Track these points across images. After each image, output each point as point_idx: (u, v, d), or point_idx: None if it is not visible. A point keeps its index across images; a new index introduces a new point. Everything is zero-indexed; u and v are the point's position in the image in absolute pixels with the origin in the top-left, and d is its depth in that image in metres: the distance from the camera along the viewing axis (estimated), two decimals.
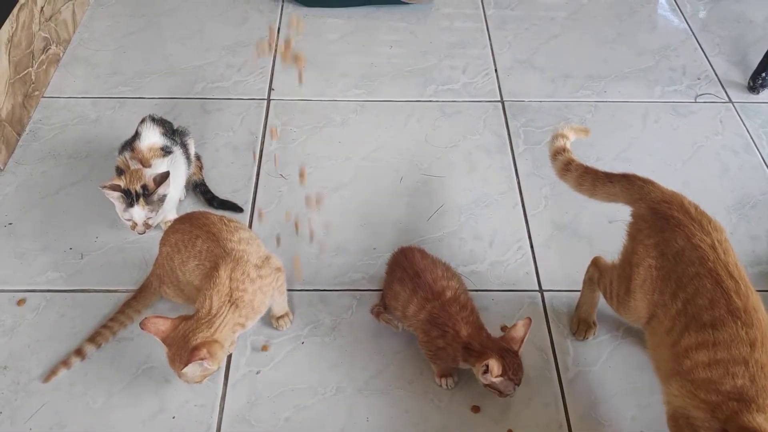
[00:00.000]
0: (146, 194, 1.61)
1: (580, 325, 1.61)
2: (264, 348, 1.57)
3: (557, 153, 1.58)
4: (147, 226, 1.65)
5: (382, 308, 1.61)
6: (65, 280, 1.69)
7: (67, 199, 1.87)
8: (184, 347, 1.32)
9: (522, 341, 1.40)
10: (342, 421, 1.46)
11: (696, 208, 1.34)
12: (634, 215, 1.41)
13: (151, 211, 1.64)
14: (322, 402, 1.49)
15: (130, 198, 1.61)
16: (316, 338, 1.60)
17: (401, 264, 1.57)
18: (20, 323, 1.60)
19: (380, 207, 1.88)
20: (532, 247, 1.79)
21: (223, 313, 1.36)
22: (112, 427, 1.45)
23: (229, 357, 1.54)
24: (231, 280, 1.39)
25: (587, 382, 1.53)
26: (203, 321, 1.35)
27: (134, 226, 1.64)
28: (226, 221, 1.50)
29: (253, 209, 1.86)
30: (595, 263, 1.55)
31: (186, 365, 1.30)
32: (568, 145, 1.59)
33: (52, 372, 1.50)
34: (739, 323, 1.18)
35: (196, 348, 1.31)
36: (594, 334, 1.61)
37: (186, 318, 1.37)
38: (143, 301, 1.60)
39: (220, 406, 1.48)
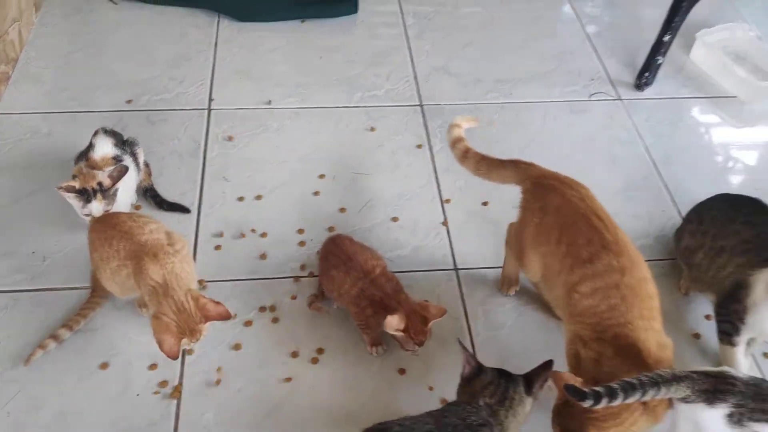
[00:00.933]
0: (103, 189, 1.81)
1: (505, 281, 1.90)
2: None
3: (455, 142, 1.87)
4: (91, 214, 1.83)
5: (316, 297, 1.85)
6: (29, 281, 1.87)
7: (26, 208, 2.04)
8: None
9: (432, 319, 1.66)
10: (287, 388, 1.69)
11: (566, 177, 1.67)
12: (522, 191, 1.71)
13: (107, 205, 1.83)
14: (270, 374, 1.72)
15: (86, 195, 1.80)
16: (262, 320, 1.83)
17: (333, 251, 1.81)
18: None
19: (315, 203, 2.12)
20: (448, 232, 2.06)
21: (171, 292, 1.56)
22: (83, 407, 1.64)
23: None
24: (160, 266, 1.59)
25: (496, 343, 1.80)
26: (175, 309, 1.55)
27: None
28: (135, 218, 1.72)
29: (200, 209, 2.07)
30: (509, 229, 1.83)
31: None
32: (462, 134, 1.87)
33: (30, 355, 1.69)
34: (611, 254, 1.47)
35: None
36: (517, 290, 1.90)
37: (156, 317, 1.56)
38: (102, 290, 1.80)
39: (179, 381, 1.70)
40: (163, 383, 1.69)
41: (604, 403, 1.29)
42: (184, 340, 1.54)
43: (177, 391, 1.68)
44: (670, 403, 1.41)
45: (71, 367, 1.71)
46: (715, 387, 1.37)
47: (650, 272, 1.51)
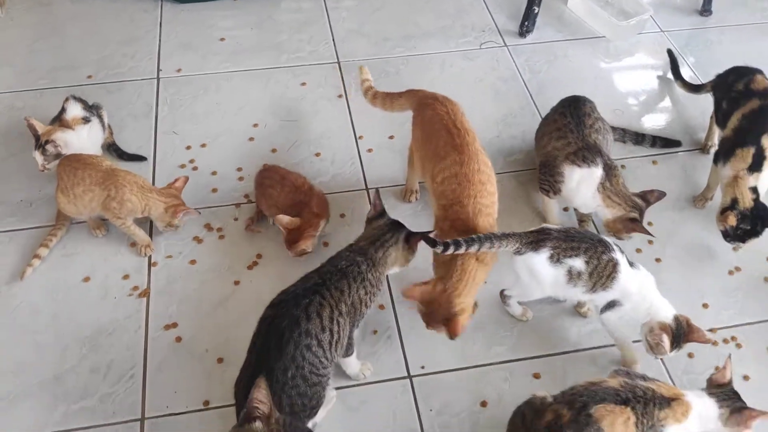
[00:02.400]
0: (39, 144, 2.27)
1: (406, 191, 2.40)
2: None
3: (366, 90, 2.34)
4: (44, 168, 2.30)
5: (252, 220, 2.31)
6: (20, 221, 2.32)
7: (12, 166, 2.48)
8: None
9: (300, 239, 2.15)
10: (234, 287, 2.16)
11: (442, 96, 2.15)
12: (413, 112, 2.18)
13: (45, 160, 2.29)
14: (217, 277, 2.19)
15: (37, 143, 2.28)
16: (211, 237, 2.29)
17: (268, 176, 2.31)
18: None
19: (250, 147, 2.57)
20: (361, 160, 2.53)
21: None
22: (73, 310, 2.10)
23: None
24: (137, 185, 2.11)
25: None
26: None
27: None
28: (94, 157, 2.23)
29: (155, 158, 2.52)
30: (410, 146, 2.30)
31: None
32: (371, 84, 2.34)
33: (22, 272, 2.16)
34: (456, 152, 1.97)
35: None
36: (417, 198, 2.38)
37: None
38: (64, 217, 2.27)
39: (147, 285, 2.16)
40: (135, 288, 2.16)
41: (451, 250, 1.77)
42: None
43: (145, 293, 2.15)
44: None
45: (61, 282, 2.16)
46: (537, 238, 1.87)
47: (490, 168, 2.01)
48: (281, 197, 2.23)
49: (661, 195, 2.17)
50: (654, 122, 2.75)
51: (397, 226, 1.90)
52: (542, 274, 1.88)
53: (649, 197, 2.16)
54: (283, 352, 1.62)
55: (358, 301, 1.78)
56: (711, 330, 2.09)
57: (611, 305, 1.91)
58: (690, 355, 2.03)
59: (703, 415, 1.69)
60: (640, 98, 2.85)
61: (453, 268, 1.85)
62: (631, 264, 1.91)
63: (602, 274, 1.87)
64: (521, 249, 1.87)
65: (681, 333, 1.84)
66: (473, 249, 1.81)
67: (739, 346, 2.06)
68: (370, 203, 1.93)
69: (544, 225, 1.93)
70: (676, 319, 1.85)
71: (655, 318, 1.86)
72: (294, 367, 1.62)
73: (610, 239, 1.93)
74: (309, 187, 2.28)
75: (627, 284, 1.88)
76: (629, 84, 2.92)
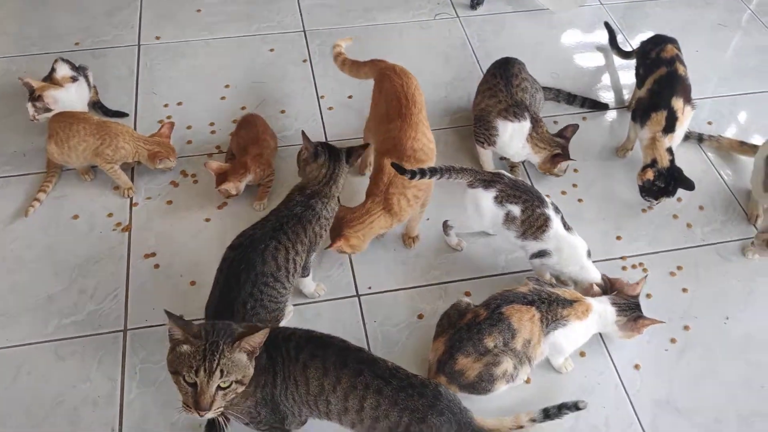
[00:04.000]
0: (32, 96, 2.56)
1: (363, 165, 2.67)
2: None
3: (336, 56, 2.63)
4: (34, 118, 2.59)
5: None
6: (15, 169, 2.60)
7: (7, 124, 2.75)
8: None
9: (222, 182, 2.45)
10: (206, 224, 2.46)
11: (401, 68, 2.41)
12: (374, 81, 2.46)
13: (35, 111, 2.57)
14: (191, 215, 2.49)
15: (31, 95, 2.57)
16: (186, 182, 2.58)
17: (246, 120, 2.65)
18: None
19: (222, 104, 2.86)
20: (322, 117, 2.83)
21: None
22: (63, 242, 2.39)
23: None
24: (129, 134, 2.41)
25: (355, 187, 2.57)
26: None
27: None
28: (84, 113, 2.54)
29: (136, 114, 2.81)
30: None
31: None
32: (343, 51, 2.63)
33: (26, 210, 2.45)
34: (400, 120, 2.25)
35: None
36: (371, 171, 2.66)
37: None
38: (55, 166, 2.55)
39: (129, 218, 2.45)
40: (118, 224, 2.45)
41: (417, 178, 2.07)
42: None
43: (127, 228, 2.44)
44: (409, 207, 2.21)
45: (53, 220, 2.45)
46: (491, 178, 2.18)
47: (429, 139, 2.27)
48: (242, 139, 2.54)
49: (575, 128, 2.50)
50: (586, 84, 3.05)
51: (334, 155, 2.12)
52: (485, 209, 2.18)
53: (566, 133, 2.49)
54: (242, 290, 1.87)
55: (314, 236, 2.05)
56: (622, 258, 2.41)
57: (541, 254, 2.20)
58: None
59: (602, 316, 2.01)
60: (577, 63, 3.16)
61: (363, 204, 2.17)
62: (567, 227, 2.20)
63: (533, 224, 2.17)
64: (474, 183, 2.17)
65: (607, 288, 2.16)
66: (435, 178, 2.11)
67: (645, 270, 2.38)
68: (303, 146, 2.14)
69: (501, 171, 2.23)
70: (603, 279, 2.17)
71: (586, 279, 2.17)
72: (252, 300, 1.88)
73: (549, 201, 2.22)
74: (262, 142, 2.55)
75: (557, 241, 2.16)
76: (567, 51, 3.22)
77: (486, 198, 2.18)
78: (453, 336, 1.90)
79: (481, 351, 1.86)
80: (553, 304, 1.94)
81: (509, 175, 2.24)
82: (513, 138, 2.48)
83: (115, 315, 2.22)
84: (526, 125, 2.47)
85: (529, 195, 2.18)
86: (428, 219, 2.47)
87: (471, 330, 1.88)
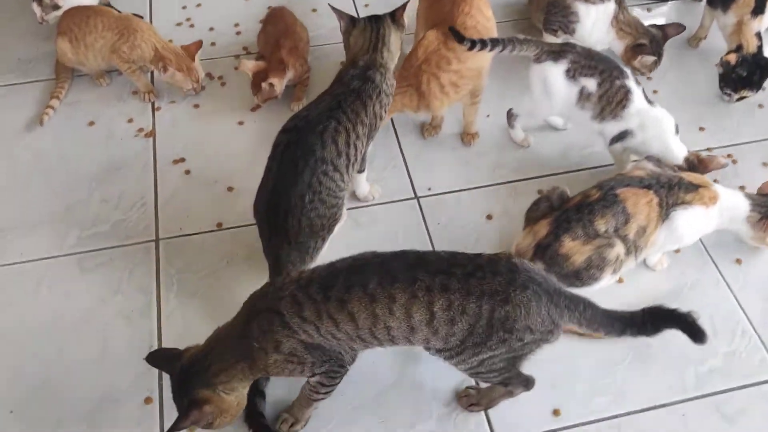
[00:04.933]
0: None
1: None
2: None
3: None
4: (42, 19, 2.32)
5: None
6: (22, 75, 2.33)
7: (7, 29, 2.47)
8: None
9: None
10: (235, 127, 2.19)
11: None
12: None
13: (43, 12, 2.30)
14: (222, 118, 2.22)
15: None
16: (213, 85, 2.30)
17: (273, 14, 2.38)
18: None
19: (248, 4, 2.58)
20: (357, 14, 2.54)
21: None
22: (79, 152, 2.12)
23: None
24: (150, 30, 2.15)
25: None
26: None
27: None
28: (103, 6, 2.27)
29: (151, 17, 2.52)
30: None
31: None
32: None
33: (40, 118, 2.18)
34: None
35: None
36: None
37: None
38: (66, 70, 2.28)
39: (152, 123, 2.18)
40: (140, 129, 2.18)
41: (477, 49, 1.82)
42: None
43: (151, 133, 2.17)
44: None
45: (66, 127, 2.18)
46: (560, 49, 1.91)
47: (486, 17, 1.99)
48: (270, 36, 2.25)
49: (680, 28, 2.21)
50: None
51: (376, 19, 1.83)
52: (555, 87, 1.91)
53: (667, 30, 2.20)
54: (300, 179, 1.62)
55: (374, 117, 1.77)
56: (707, 149, 2.14)
57: (622, 136, 1.93)
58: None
59: (729, 208, 1.73)
60: None
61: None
62: (649, 101, 1.93)
63: (612, 100, 1.90)
64: (541, 56, 1.90)
65: (697, 167, 1.88)
66: (497, 50, 1.84)
67: (735, 162, 2.12)
68: (338, 19, 1.85)
69: (570, 40, 1.95)
70: (686, 159, 1.90)
71: (672, 159, 1.89)
72: (311, 192, 1.63)
73: (629, 71, 1.94)
74: (294, 34, 2.27)
75: (641, 117, 1.90)
76: None
77: (556, 72, 1.90)
78: (559, 217, 1.64)
79: (590, 234, 1.60)
80: (674, 188, 1.67)
81: (579, 44, 1.96)
82: (596, 23, 2.20)
83: (144, 224, 1.95)
84: (610, 6, 2.18)
85: (606, 65, 1.91)
86: (488, 116, 2.20)
87: (581, 211, 1.62)
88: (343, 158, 1.67)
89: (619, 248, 1.63)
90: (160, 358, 1.47)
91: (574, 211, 1.64)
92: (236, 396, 1.42)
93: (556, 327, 1.37)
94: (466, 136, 2.15)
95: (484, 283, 1.32)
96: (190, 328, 1.73)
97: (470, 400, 1.60)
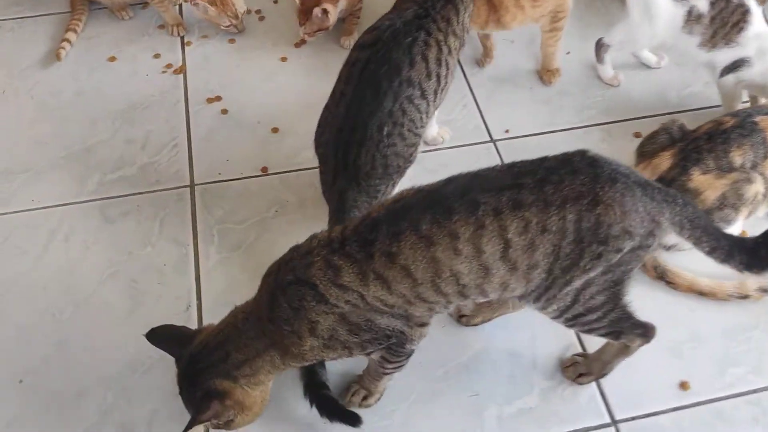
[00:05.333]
0: None
1: None
2: None
3: None
4: None
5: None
6: (32, 8, 2.04)
7: None
8: None
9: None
10: (277, 63, 1.91)
11: None
12: None
13: None
14: (261, 54, 1.93)
15: None
16: (250, 19, 2.01)
17: None
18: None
19: None
20: None
21: None
22: (98, 87, 1.84)
23: None
24: None
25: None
26: None
27: None
28: None
29: None
30: None
31: None
32: None
33: (56, 53, 1.89)
34: None
35: None
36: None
37: None
38: (81, 3, 2.00)
39: (182, 59, 1.90)
40: (168, 65, 1.89)
41: None
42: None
43: (181, 69, 1.88)
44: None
45: (82, 63, 1.89)
46: None
47: None
48: None
49: None
50: None
51: None
52: (659, 7, 1.62)
53: None
54: (380, 105, 1.33)
55: (462, 30, 1.47)
56: None
57: (736, 66, 1.63)
58: None
59: None
60: None
61: None
62: None
63: (727, 21, 1.60)
64: None
65: None
66: None
67: None
68: None
69: None
70: None
71: None
72: (391, 123, 1.34)
73: None
74: None
75: (760, 41, 1.60)
76: None
77: None
78: (686, 147, 1.35)
79: (724, 167, 1.32)
80: None
81: None
82: None
83: (176, 168, 1.67)
84: None
85: None
86: (568, 53, 1.90)
87: (713, 140, 1.34)
88: (432, 80, 1.37)
89: (758, 185, 1.34)
90: (163, 337, 1.17)
91: (705, 140, 1.35)
92: (261, 391, 1.14)
93: (657, 226, 1.06)
94: (546, 73, 1.86)
95: (563, 188, 1.02)
96: (234, 286, 1.44)
97: (578, 370, 1.31)
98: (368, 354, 1.13)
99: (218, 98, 1.81)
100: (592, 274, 1.06)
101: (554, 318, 1.15)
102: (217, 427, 1.14)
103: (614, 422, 1.29)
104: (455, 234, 1.00)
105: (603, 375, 1.31)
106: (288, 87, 1.84)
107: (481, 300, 1.12)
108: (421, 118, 1.39)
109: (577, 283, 1.07)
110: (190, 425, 1.08)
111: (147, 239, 1.53)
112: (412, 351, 1.16)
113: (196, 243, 1.53)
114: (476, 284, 1.05)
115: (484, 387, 1.32)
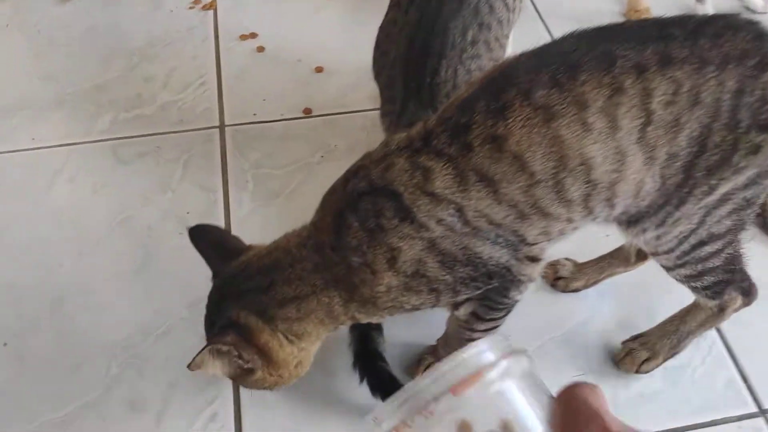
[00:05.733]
0: None
1: None
2: None
3: None
4: None
5: None
6: None
7: None
8: None
9: None
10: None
11: None
12: None
13: None
14: None
15: None
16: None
17: None
18: None
19: None
20: None
21: None
22: (115, 21, 1.59)
23: None
24: None
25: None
26: None
27: None
28: None
29: None
30: None
31: None
32: None
33: None
34: None
35: None
36: None
37: None
38: None
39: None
40: (196, 1, 1.63)
41: None
42: None
43: (212, 5, 1.62)
44: None
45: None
46: None
47: None
48: None
49: None
50: None
51: None
52: None
53: None
54: (464, 3, 1.07)
55: None
56: None
57: None
58: None
59: None
60: None
61: None
62: None
63: None
64: None
65: None
66: None
67: None
68: None
69: None
70: None
71: None
72: (477, 25, 1.08)
73: None
74: None
75: None
76: None
77: None
78: None
79: None
80: None
81: None
82: None
83: (204, 107, 1.40)
84: None
85: None
86: None
87: None
88: None
89: None
90: (207, 240, 0.90)
91: None
92: (302, 350, 0.85)
93: None
94: (633, 14, 1.58)
95: (722, 43, 0.74)
96: (271, 238, 1.13)
97: (638, 357, 1.00)
98: (457, 305, 0.85)
99: (253, 35, 1.55)
100: (740, 180, 0.79)
101: (666, 253, 0.86)
102: (235, 376, 0.85)
103: (762, 412, 1.00)
104: (583, 101, 0.72)
105: (673, 355, 1.01)
106: (334, 23, 1.59)
107: (604, 223, 0.83)
108: (509, 19, 1.12)
109: (719, 193, 0.79)
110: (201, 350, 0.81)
111: (167, 183, 1.27)
112: (515, 303, 0.87)
113: (227, 189, 1.26)
114: (609, 182, 0.75)
115: (590, 366, 1.03)
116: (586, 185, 0.75)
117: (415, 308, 0.83)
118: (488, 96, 0.74)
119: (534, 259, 0.82)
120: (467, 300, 0.84)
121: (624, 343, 1.04)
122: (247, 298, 0.82)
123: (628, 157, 0.74)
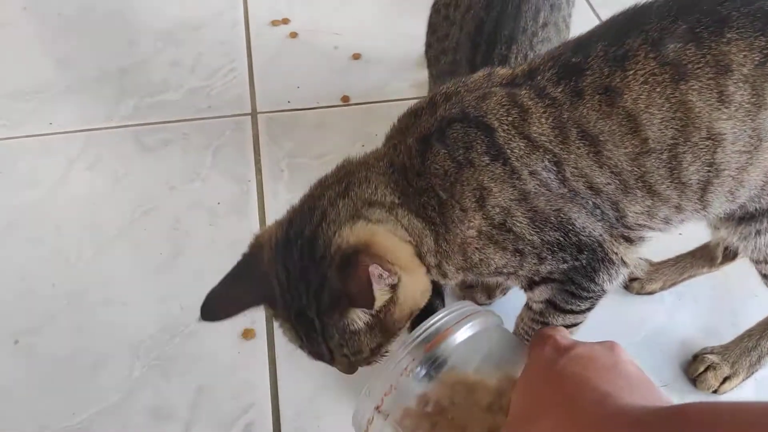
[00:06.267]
0: None
1: None
2: None
3: None
4: None
5: None
6: None
7: None
8: None
9: None
10: None
11: None
12: None
13: None
14: None
15: None
16: None
17: None
18: None
19: None
20: None
21: None
22: (139, 8, 1.50)
23: None
24: None
25: None
26: None
27: None
28: None
29: None
30: None
31: None
32: None
33: None
34: None
35: None
36: None
37: None
38: None
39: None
40: None
41: None
42: None
43: None
44: None
45: None
46: None
47: None
48: None
49: None
50: None
51: None
52: None
53: None
54: None
55: None
56: None
57: None
58: None
59: None
60: None
61: None
62: None
63: None
64: None
65: None
66: None
67: None
68: None
69: None
70: None
71: None
72: (548, 6, 0.98)
73: None
74: None
75: None
76: None
77: None
78: None
79: None
80: None
81: None
82: None
83: (234, 93, 1.31)
84: None
85: None
86: None
87: None
88: None
89: None
90: (224, 302, 0.71)
91: None
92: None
93: None
94: None
95: None
96: None
97: (720, 373, 0.88)
98: (534, 285, 0.73)
99: (285, 21, 1.46)
100: None
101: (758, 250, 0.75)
102: (383, 312, 0.67)
103: None
104: (725, 64, 0.60)
105: (755, 371, 0.89)
106: (373, 8, 1.49)
107: (714, 216, 0.72)
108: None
109: None
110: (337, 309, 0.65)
111: (195, 172, 1.16)
112: (601, 295, 0.75)
113: (260, 179, 1.16)
114: (737, 169, 0.64)
115: (671, 375, 0.92)
116: (708, 171, 0.64)
117: (498, 271, 0.70)
118: (610, 39, 0.63)
119: (630, 241, 0.71)
120: (548, 279, 0.72)
121: (702, 354, 0.91)
122: (336, 215, 0.67)
123: (765, 142, 0.63)
